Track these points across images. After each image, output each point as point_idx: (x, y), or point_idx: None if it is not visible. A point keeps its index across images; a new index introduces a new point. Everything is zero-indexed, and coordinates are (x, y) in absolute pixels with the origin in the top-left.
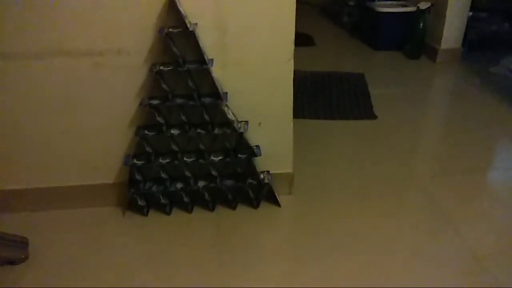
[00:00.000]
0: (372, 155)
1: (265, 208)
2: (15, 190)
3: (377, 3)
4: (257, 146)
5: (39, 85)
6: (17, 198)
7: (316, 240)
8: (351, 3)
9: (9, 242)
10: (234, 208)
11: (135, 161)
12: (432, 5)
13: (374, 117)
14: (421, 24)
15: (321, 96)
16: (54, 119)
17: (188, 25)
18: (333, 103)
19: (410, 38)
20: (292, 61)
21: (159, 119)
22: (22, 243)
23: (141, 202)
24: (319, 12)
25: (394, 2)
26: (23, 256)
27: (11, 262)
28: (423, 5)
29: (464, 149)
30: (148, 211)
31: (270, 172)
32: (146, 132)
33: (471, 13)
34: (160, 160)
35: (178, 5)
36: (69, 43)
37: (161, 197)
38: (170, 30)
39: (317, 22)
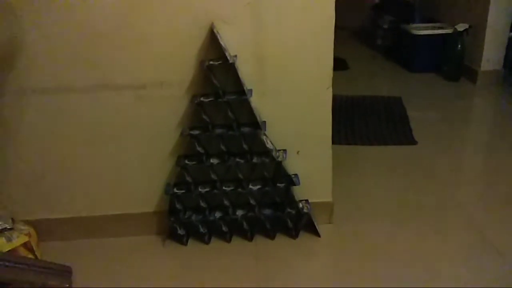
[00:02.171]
0: (413, 182)
1: (305, 238)
2: (59, 219)
3: (413, 25)
4: (296, 175)
5: (85, 118)
6: (61, 227)
7: (358, 271)
8: (384, 26)
9: (54, 271)
10: (272, 238)
11: (175, 190)
12: (470, 26)
13: (414, 142)
14: (459, 45)
15: (357, 121)
16: (98, 150)
17: (229, 58)
18: (370, 128)
19: (448, 60)
20: (331, 89)
21: (199, 148)
22: (66, 272)
23: (180, 231)
24: (351, 36)
25: (430, 25)
26: (67, 285)
27: None
28: (460, 27)
29: (508, 176)
30: (187, 240)
31: (309, 201)
32: (186, 161)
33: (511, 34)
34: (200, 189)
35: (219, 38)
36: (114, 77)
37: (200, 226)
38: (211, 63)
39: (350, 45)
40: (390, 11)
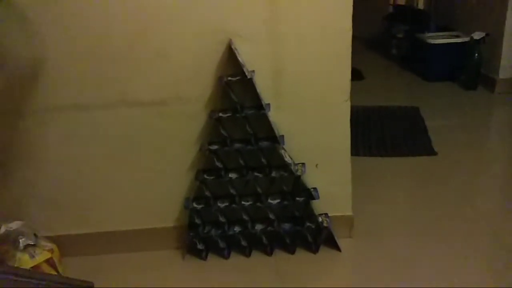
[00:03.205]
0: (434, 193)
1: (325, 252)
2: (81, 234)
3: (428, 34)
4: (315, 189)
5: (106, 134)
6: (82, 242)
7: (379, 286)
8: (399, 35)
9: (76, 287)
10: (292, 252)
11: (194, 204)
12: (487, 34)
13: (433, 153)
14: (476, 54)
15: (374, 132)
16: (117, 165)
17: (247, 73)
18: (387, 139)
19: (465, 68)
20: (349, 102)
21: (218, 163)
22: None
23: (200, 246)
24: (365, 45)
25: (446, 33)
26: None
27: None
28: (477, 35)
29: None
30: (207, 255)
31: (329, 214)
32: (205, 176)
33: None
34: (219, 204)
35: (237, 54)
36: (134, 94)
37: (220, 241)
38: (229, 78)
39: (364, 55)
40: (404, 20)
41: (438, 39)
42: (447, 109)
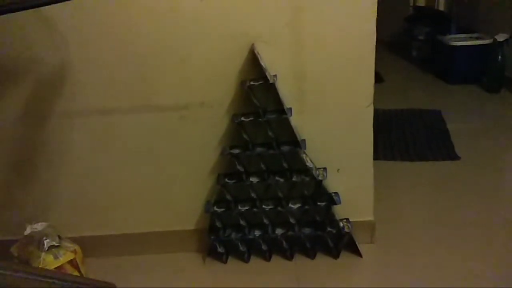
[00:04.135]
0: (456, 199)
1: (346, 257)
2: (103, 236)
3: (450, 36)
4: (336, 193)
5: (129, 138)
6: (104, 244)
7: None
8: (420, 37)
9: None
10: (313, 257)
11: (215, 208)
12: (511, 36)
13: (456, 157)
14: (500, 56)
15: (395, 136)
16: (139, 169)
17: (269, 78)
18: (409, 143)
19: (488, 71)
20: (372, 106)
21: (239, 167)
22: None
23: (220, 249)
24: (385, 47)
25: (468, 35)
26: None
27: None
28: (500, 37)
29: None
30: (227, 258)
31: (350, 219)
32: (226, 180)
33: None
34: (240, 208)
35: (260, 59)
36: (157, 98)
37: (240, 245)
38: (252, 83)
39: (384, 57)
40: (425, 22)
41: (460, 41)
42: (470, 113)
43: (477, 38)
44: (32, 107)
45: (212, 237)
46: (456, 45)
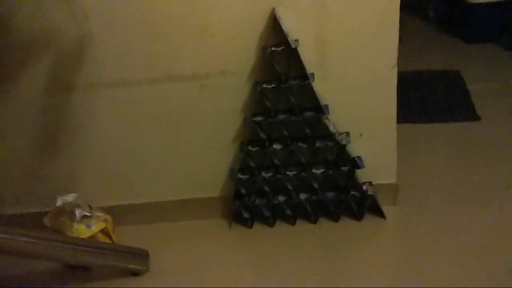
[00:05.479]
0: (479, 160)
1: (369, 220)
2: (131, 204)
3: None
4: (359, 157)
5: (152, 108)
6: (133, 213)
7: (423, 253)
8: None
9: (132, 254)
10: (336, 220)
11: (239, 175)
12: None
13: (477, 118)
14: None
15: (415, 98)
16: (164, 139)
17: (291, 43)
18: (429, 105)
19: (509, 28)
20: (396, 68)
21: (262, 134)
22: (143, 255)
23: (245, 215)
24: (401, 9)
25: None
26: (145, 268)
27: (135, 273)
28: None
29: None
30: (252, 224)
31: (373, 182)
32: (249, 147)
33: None
34: (263, 174)
35: (281, 24)
36: (177, 69)
37: (265, 210)
38: (273, 49)
39: (400, 18)
40: None
41: None
42: (490, 72)
43: None
44: (55, 80)
45: (237, 203)
46: (474, 2)
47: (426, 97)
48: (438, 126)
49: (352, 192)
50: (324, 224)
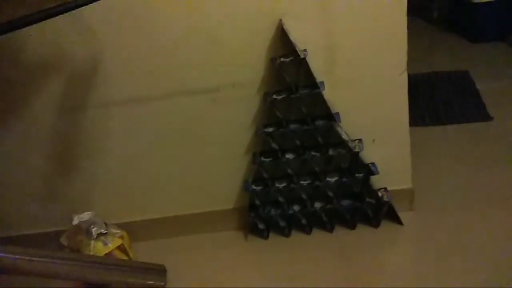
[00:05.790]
0: (493, 161)
1: (386, 226)
2: (147, 220)
3: None
4: (373, 164)
5: (164, 124)
6: (149, 228)
7: (443, 258)
8: None
9: (149, 270)
10: (353, 228)
11: (253, 187)
12: None
13: (489, 118)
14: None
15: (424, 101)
16: (178, 152)
17: (299, 53)
18: (439, 107)
19: None
20: (405, 73)
21: (274, 145)
22: (161, 271)
23: (261, 226)
24: None
25: None
26: (163, 283)
27: None
28: None
29: None
30: (268, 234)
31: (388, 188)
32: (262, 158)
33: None
34: (277, 185)
35: (289, 34)
36: (189, 83)
37: (280, 220)
38: (282, 60)
39: None
40: None
41: None
42: (498, 71)
43: None
44: (69, 100)
45: (252, 215)
46: (479, 2)
47: (435, 99)
48: (450, 128)
49: (368, 199)
50: (340, 232)
